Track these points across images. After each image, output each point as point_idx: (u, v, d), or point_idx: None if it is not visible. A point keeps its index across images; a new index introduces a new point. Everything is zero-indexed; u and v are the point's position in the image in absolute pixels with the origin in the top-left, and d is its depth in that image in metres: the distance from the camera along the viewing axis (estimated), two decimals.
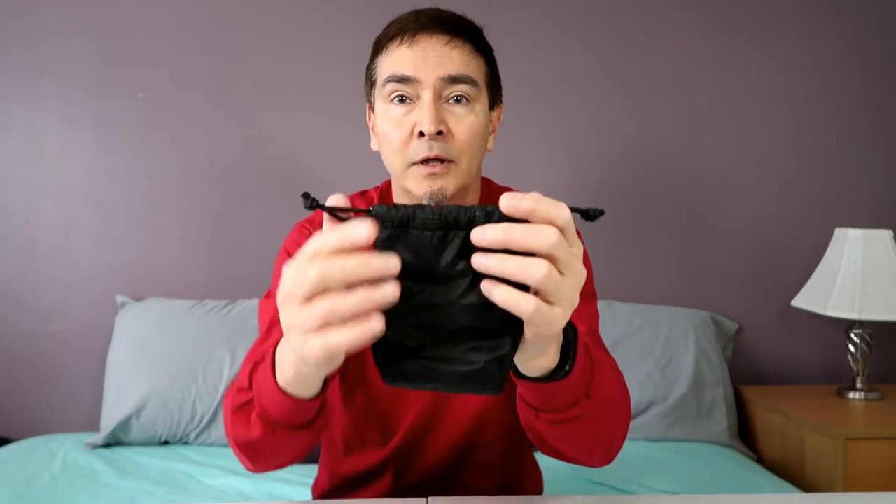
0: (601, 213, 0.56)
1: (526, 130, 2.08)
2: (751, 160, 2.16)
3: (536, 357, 0.62)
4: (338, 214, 0.55)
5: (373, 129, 0.99)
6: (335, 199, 0.55)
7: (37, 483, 1.56)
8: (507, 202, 0.54)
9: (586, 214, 0.57)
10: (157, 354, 1.84)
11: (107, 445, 1.79)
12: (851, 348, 1.95)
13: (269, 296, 0.98)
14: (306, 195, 0.55)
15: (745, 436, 2.02)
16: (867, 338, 1.93)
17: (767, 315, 2.16)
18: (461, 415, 1.01)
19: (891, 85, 2.18)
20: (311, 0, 2.06)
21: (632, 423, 1.86)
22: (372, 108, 0.98)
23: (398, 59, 0.90)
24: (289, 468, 1.67)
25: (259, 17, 2.05)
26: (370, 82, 0.97)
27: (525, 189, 1.17)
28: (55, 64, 2.00)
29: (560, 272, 0.53)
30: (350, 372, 1.02)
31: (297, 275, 0.53)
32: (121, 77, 2.02)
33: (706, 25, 2.14)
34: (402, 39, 0.91)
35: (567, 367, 0.65)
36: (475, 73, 0.92)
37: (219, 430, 1.81)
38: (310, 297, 0.52)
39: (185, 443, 1.83)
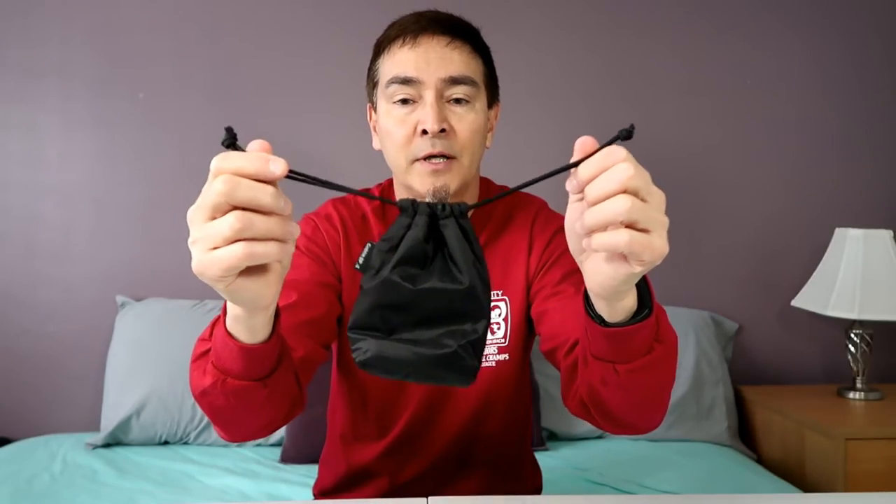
0: (632, 128, 0.59)
1: (525, 130, 2.08)
2: (751, 160, 2.16)
3: (624, 297, 0.64)
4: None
5: (374, 128, 1.01)
6: (257, 145, 0.58)
7: (37, 483, 1.56)
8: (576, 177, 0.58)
9: (624, 136, 0.59)
10: (157, 354, 1.84)
11: (107, 445, 1.79)
12: (851, 348, 1.95)
13: None
14: (229, 129, 0.58)
15: (745, 436, 2.02)
16: (867, 338, 1.93)
17: (767, 315, 2.16)
18: (460, 410, 1.02)
19: (890, 85, 2.18)
20: (311, 0, 2.06)
21: None
22: (374, 108, 1.01)
23: (400, 60, 0.93)
24: (288, 468, 1.68)
25: (259, 17, 2.05)
26: (372, 82, 1.00)
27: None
28: (55, 64, 2.00)
29: (642, 200, 0.56)
30: (347, 356, 1.02)
31: (205, 190, 0.55)
32: (121, 77, 2.02)
33: (706, 25, 2.14)
34: (403, 41, 0.94)
35: (648, 309, 0.67)
36: (475, 73, 0.95)
37: None
38: (216, 211, 0.54)
39: (185, 443, 1.83)
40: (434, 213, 0.58)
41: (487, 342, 1.00)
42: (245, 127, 2.23)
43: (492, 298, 0.99)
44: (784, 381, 2.16)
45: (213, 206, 0.54)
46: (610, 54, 2.12)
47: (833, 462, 1.69)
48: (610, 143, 0.58)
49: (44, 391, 2.00)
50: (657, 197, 0.58)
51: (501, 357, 1.01)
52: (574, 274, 0.96)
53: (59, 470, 1.64)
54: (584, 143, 0.59)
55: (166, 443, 1.83)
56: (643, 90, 2.12)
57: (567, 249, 0.97)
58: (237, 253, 0.54)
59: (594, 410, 0.79)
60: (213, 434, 1.81)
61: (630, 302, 0.66)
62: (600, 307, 0.66)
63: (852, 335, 1.95)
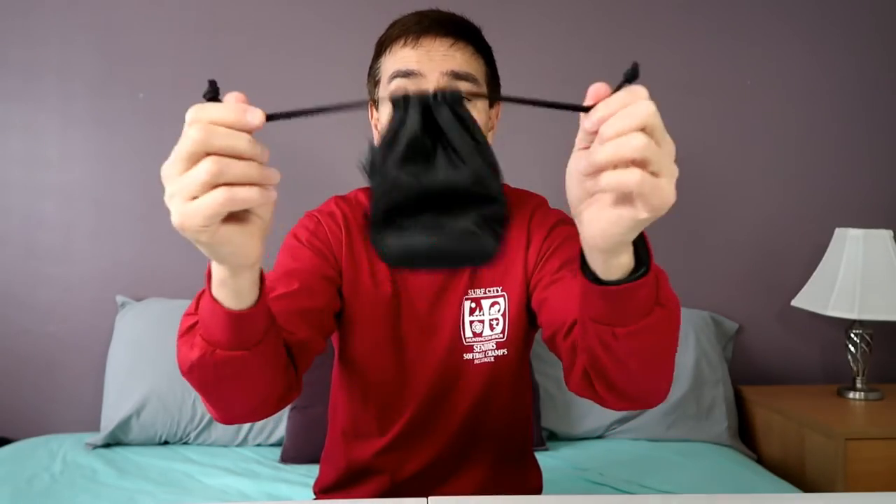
0: (636, 66, 0.59)
1: (526, 130, 2.08)
2: (751, 160, 2.16)
3: (622, 252, 0.63)
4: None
5: (376, 125, 1.03)
6: (234, 97, 0.58)
7: (37, 483, 1.56)
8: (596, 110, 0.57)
9: (629, 76, 0.59)
10: (157, 354, 1.84)
11: (107, 445, 1.79)
12: (851, 348, 1.95)
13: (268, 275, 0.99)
14: (212, 82, 0.58)
15: (745, 436, 2.02)
16: (867, 338, 1.93)
17: (767, 315, 2.16)
18: (461, 405, 1.02)
19: (891, 85, 2.18)
20: (311, 0, 2.06)
21: (632, 424, 1.88)
22: (375, 106, 1.02)
23: (402, 57, 0.94)
24: (288, 468, 1.67)
25: (259, 17, 2.05)
26: (374, 80, 1.01)
27: (526, 185, 1.18)
28: (55, 64, 2.00)
29: (657, 143, 0.55)
30: (348, 352, 1.03)
31: (180, 141, 0.54)
32: (121, 77, 2.02)
33: (706, 25, 2.14)
34: (405, 41, 0.95)
35: (645, 267, 0.65)
36: (476, 71, 0.96)
37: (219, 431, 1.81)
38: (191, 160, 0.53)
39: (185, 443, 1.83)
40: (427, 104, 0.57)
41: (486, 338, 1.00)
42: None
43: (489, 285, 1.01)
44: (784, 381, 2.16)
45: (189, 156, 0.53)
46: (610, 54, 2.12)
47: (833, 462, 1.69)
48: (619, 87, 0.57)
49: (44, 391, 2.00)
50: (670, 145, 0.57)
51: (500, 352, 1.01)
52: (573, 262, 0.92)
53: (59, 470, 1.64)
54: (597, 89, 0.59)
55: (166, 443, 1.83)
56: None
57: (566, 239, 1.00)
58: (218, 198, 0.53)
59: (597, 383, 0.77)
60: (214, 434, 1.81)
61: (626, 259, 0.64)
62: (596, 263, 0.64)
63: (852, 335, 1.95)
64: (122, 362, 1.86)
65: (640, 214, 0.57)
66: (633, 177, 0.54)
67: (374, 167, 0.57)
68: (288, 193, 2.11)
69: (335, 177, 2.04)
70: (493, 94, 0.64)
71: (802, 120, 2.17)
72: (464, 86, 0.93)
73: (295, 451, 1.72)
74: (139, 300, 1.99)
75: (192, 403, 1.80)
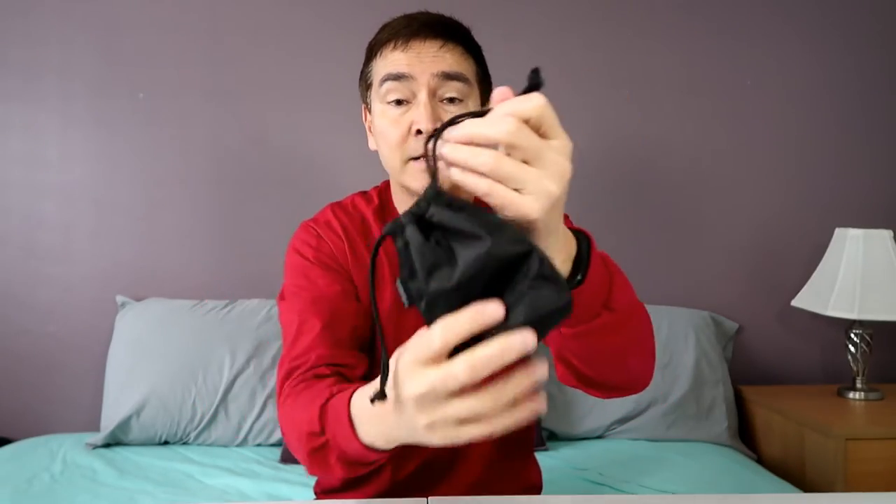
0: (537, 73, 0.58)
1: None
2: (751, 160, 2.16)
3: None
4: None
5: (370, 128, 1.04)
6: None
7: (37, 483, 1.56)
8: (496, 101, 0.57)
9: (533, 85, 0.58)
10: (157, 354, 1.84)
11: (107, 445, 1.79)
12: (851, 348, 1.95)
13: (285, 297, 1.00)
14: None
15: (745, 436, 2.02)
16: (867, 338, 1.93)
17: (767, 315, 2.16)
18: None
19: (891, 85, 2.18)
20: (311, 0, 2.06)
21: (632, 424, 1.88)
22: (368, 109, 1.02)
23: (393, 60, 0.95)
24: (289, 468, 1.68)
25: (259, 17, 2.05)
26: (365, 84, 1.01)
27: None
28: (55, 64, 2.00)
29: (525, 161, 0.54)
30: None
31: (437, 373, 0.52)
32: (121, 77, 2.02)
33: (706, 25, 2.14)
34: (395, 44, 0.95)
35: (579, 277, 0.66)
36: (467, 71, 0.96)
37: (219, 430, 1.81)
38: (458, 393, 0.52)
39: (185, 443, 1.83)
40: (419, 216, 0.56)
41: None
42: (245, 127, 2.25)
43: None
44: (784, 381, 2.16)
45: (455, 390, 0.52)
46: (610, 54, 2.12)
47: (833, 462, 1.69)
48: (522, 92, 0.57)
49: (44, 391, 2.00)
50: (552, 166, 0.56)
51: None
52: None
53: (59, 470, 1.64)
54: (501, 93, 0.58)
55: (166, 443, 1.83)
56: (643, 90, 2.12)
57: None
58: (493, 428, 0.53)
59: (569, 373, 0.80)
60: (213, 434, 1.81)
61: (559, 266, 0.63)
62: None
63: (852, 335, 1.95)
64: (122, 362, 1.86)
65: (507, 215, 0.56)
66: (482, 185, 0.54)
67: (413, 299, 0.55)
68: (285, 198, 2.12)
69: (333, 181, 2.05)
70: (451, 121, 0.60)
71: (802, 120, 2.17)
72: (455, 86, 0.93)
73: None
74: (139, 300, 1.99)
75: (191, 403, 1.80)
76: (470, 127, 0.55)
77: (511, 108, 0.56)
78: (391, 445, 0.69)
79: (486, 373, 0.51)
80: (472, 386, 0.52)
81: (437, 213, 0.55)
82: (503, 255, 0.53)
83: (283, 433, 0.87)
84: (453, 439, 0.54)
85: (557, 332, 0.71)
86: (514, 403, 0.53)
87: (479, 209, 0.55)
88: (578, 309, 0.67)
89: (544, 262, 0.54)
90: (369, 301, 1.00)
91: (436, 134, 0.57)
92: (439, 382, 0.52)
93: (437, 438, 0.55)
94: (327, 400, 0.78)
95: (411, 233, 0.55)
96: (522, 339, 0.50)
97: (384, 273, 1.02)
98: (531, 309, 0.53)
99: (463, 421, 0.53)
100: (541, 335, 0.53)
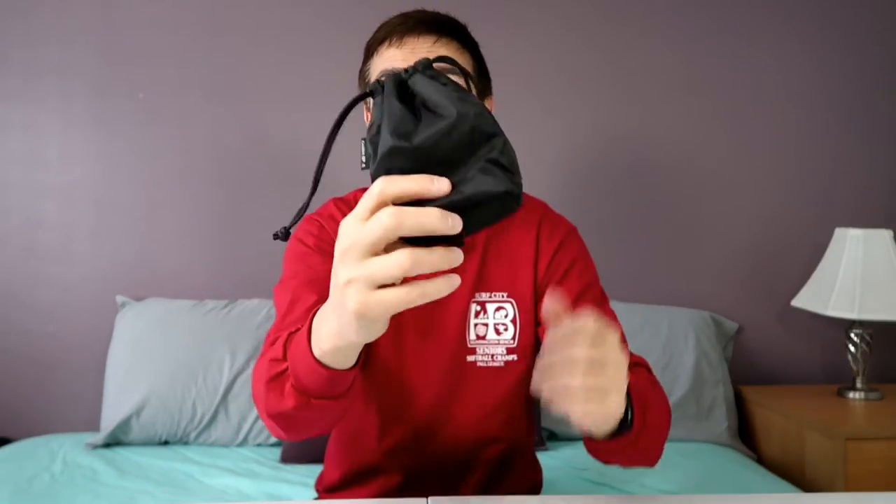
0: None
1: (526, 128, 2.08)
2: (751, 160, 2.16)
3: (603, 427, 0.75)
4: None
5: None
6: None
7: (37, 483, 1.56)
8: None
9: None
10: (157, 354, 1.84)
11: (107, 445, 1.79)
12: (851, 348, 1.95)
13: (282, 282, 1.00)
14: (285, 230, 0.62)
15: (745, 436, 2.02)
16: (867, 338, 1.93)
17: (767, 315, 2.16)
18: (467, 409, 1.02)
19: (890, 85, 2.18)
20: (311, 0, 2.06)
21: None
22: (367, 108, 1.03)
23: (388, 58, 0.96)
24: (289, 468, 1.68)
25: (259, 17, 2.05)
26: (364, 83, 1.02)
27: (527, 181, 1.18)
28: (55, 64, 2.00)
29: (597, 372, 0.64)
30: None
31: (368, 223, 0.51)
32: (121, 77, 2.02)
33: (706, 25, 2.14)
34: (390, 42, 0.96)
35: (629, 423, 0.77)
36: (463, 64, 0.97)
37: (219, 430, 1.81)
38: (377, 247, 0.51)
39: (185, 443, 1.83)
40: (400, 79, 0.57)
41: (492, 342, 1.01)
42: (245, 126, 2.25)
43: (496, 289, 1.03)
44: (784, 381, 2.16)
45: (377, 242, 0.51)
46: (610, 53, 2.12)
47: (833, 462, 1.69)
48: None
49: (44, 391, 2.01)
50: (614, 364, 0.66)
51: (510, 357, 1.02)
52: (588, 290, 1.03)
53: (59, 470, 1.64)
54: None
55: (166, 443, 1.83)
56: (643, 89, 2.12)
57: (577, 258, 1.04)
58: (410, 296, 0.51)
59: (597, 457, 0.89)
60: (213, 434, 1.81)
61: (609, 425, 0.75)
62: None
63: (852, 335, 1.95)
64: (122, 362, 1.86)
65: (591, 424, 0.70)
66: (576, 407, 0.64)
67: (372, 157, 0.57)
68: (286, 198, 2.12)
69: (335, 175, 2.05)
70: (466, 74, 0.63)
71: (802, 120, 2.17)
72: (449, 69, 0.93)
73: (295, 451, 1.72)
74: (139, 300, 1.99)
75: (191, 403, 1.80)
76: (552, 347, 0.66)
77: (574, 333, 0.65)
78: (337, 353, 0.65)
79: (413, 232, 0.50)
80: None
81: (419, 82, 0.57)
82: (466, 130, 0.54)
83: (252, 385, 0.84)
84: (365, 302, 0.52)
85: (594, 447, 0.82)
86: (436, 278, 0.52)
87: (458, 86, 0.56)
88: (622, 440, 0.79)
89: (505, 149, 0.55)
90: None
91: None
92: (365, 231, 0.51)
93: (350, 301, 0.52)
94: (296, 330, 0.77)
95: (388, 92, 0.56)
96: (455, 223, 0.51)
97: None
98: (475, 188, 0.53)
99: (381, 285, 0.51)
100: (478, 220, 0.53)
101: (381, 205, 0.51)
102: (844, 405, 1.89)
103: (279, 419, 0.78)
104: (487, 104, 1.04)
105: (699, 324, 2.01)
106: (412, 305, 0.52)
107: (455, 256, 0.51)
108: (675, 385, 1.90)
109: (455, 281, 0.52)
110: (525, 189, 1.16)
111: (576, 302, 1.00)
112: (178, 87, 2.03)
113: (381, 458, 1.04)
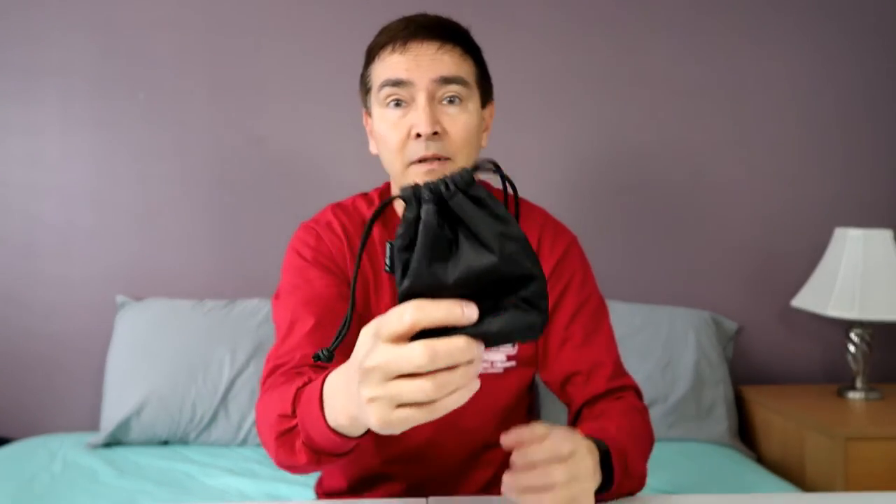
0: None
1: (527, 129, 2.08)
2: (751, 160, 2.16)
3: None
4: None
5: (370, 132, 1.03)
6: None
7: (37, 483, 1.56)
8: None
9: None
10: (157, 354, 1.84)
11: (107, 445, 1.79)
12: (851, 348, 1.95)
13: (280, 295, 1.00)
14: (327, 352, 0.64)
15: (745, 436, 2.02)
16: (867, 338, 1.93)
17: (767, 315, 2.16)
18: (465, 414, 1.01)
19: (891, 85, 2.18)
20: (311, 0, 2.06)
21: None
22: (368, 113, 1.02)
23: (391, 64, 0.94)
24: None
25: (259, 17, 2.05)
26: (365, 88, 1.01)
27: (524, 187, 1.18)
28: (55, 64, 2.00)
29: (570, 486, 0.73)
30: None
31: (388, 348, 0.53)
32: (121, 77, 2.02)
33: (707, 25, 2.14)
34: (393, 47, 0.95)
35: (609, 484, 0.84)
36: (466, 73, 0.96)
37: (219, 430, 1.81)
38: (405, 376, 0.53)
39: (185, 443, 1.82)
40: (440, 196, 0.54)
41: (495, 349, 1.00)
42: (245, 127, 2.24)
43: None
44: (784, 381, 2.16)
45: (404, 372, 0.53)
46: (610, 54, 2.12)
47: (833, 462, 1.69)
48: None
49: (44, 391, 2.00)
50: (582, 482, 0.77)
51: (509, 364, 1.02)
52: (584, 306, 1.03)
53: (59, 470, 1.64)
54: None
55: (166, 443, 1.83)
56: (643, 89, 2.12)
57: (577, 270, 1.05)
58: (432, 416, 0.54)
59: None
60: (214, 434, 1.81)
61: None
62: None
63: (852, 335, 1.95)
64: (122, 362, 1.86)
65: None
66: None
67: (400, 273, 0.55)
68: (286, 198, 2.12)
69: (334, 179, 2.05)
70: (486, 167, 0.59)
71: (802, 120, 2.16)
72: (453, 88, 0.93)
73: None
74: (139, 300, 1.99)
75: (191, 403, 1.80)
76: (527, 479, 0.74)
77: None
78: (353, 426, 0.67)
79: (442, 365, 0.51)
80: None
81: (460, 205, 0.54)
82: (506, 272, 0.53)
83: (256, 423, 0.86)
84: (387, 420, 0.54)
85: None
86: (454, 392, 0.53)
87: (501, 211, 0.54)
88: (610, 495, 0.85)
89: (541, 290, 0.55)
90: (360, 306, 0.99)
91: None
92: (393, 360, 0.52)
93: (373, 417, 0.54)
94: (305, 385, 0.78)
95: (428, 213, 0.54)
96: (479, 350, 0.53)
97: (383, 278, 1.01)
98: (508, 325, 0.53)
99: (401, 404, 0.53)
100: (498, 342, 0.55)
101: (410, 332, 0.52)
102: (844, 405, 1.89)
103: (292, 470, 0.82)
104: (489, 111, 1.03)
105: (699, 324, 2.01)
106: (431, 419, 0.54)
107: (475, 369, 0.54)
108: (675, 385, 1.90)
109: (475, 388, 0.54)
110: (527, 190, 1.17)
111: (570, 324, 1.02)
112: (178, 87, 2.03)
113: (382, 467, 1.04)
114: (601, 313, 1.05)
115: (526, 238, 0.55)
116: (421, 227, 0.54)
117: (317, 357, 0.63)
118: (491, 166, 0.57)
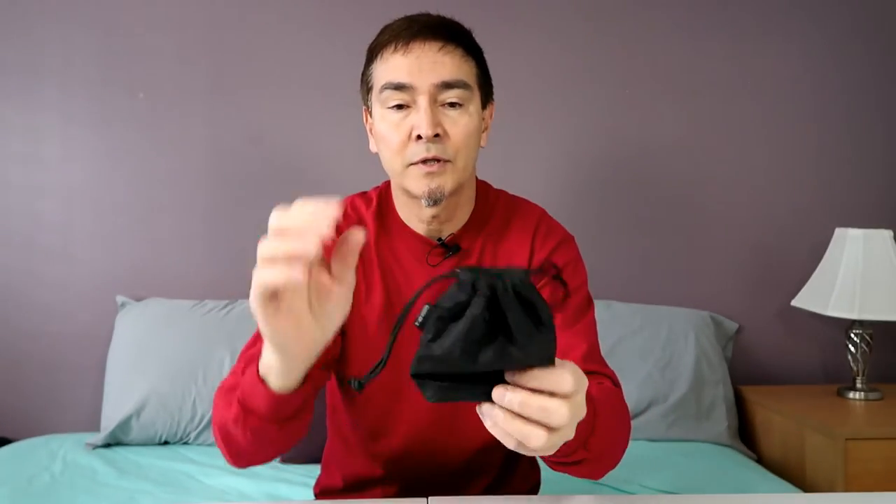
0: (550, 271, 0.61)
1: (526, 130, 2.08)
2: (751, 160, 2.16)
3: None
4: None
5: (371, 131, 1.03)
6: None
7: (37, 483, 1.56)
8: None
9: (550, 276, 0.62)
10: (157, 354, 1.84)
11: (107, 445, 1.79)
12: (851, 348, 1.95)
13: None
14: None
15: (745, 436, 2.02)
16: (867, 338, 1.93)
17: (767, 315, 2.16)
18: (461, 417, 1.01)
19: (891, 85, 2.18)
20: (311, 0, 2.06)
21: (632, 423, 1.87)
22: (369, 112, 1.01)
23: (393, 66, 0.94)
24: (289, 468, 1.68)
25: (259, 17, 2.05)
26: (366, 87, 1.00)
27: (524, 187, 1.18)
28: (55, 64, 2.00)
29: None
30: (343, 362, 1.02)
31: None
32: (121, 77, 2.02)
33: (706, 25, 2.14)
34: (395, 47, 0.94)
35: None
36: (467, 75, 0.95)
37: None
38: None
39: (185, 443, 1.83)
40: (494, 291, 0.56)
41: None
42: (245, 127, 2.24)
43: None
44: (784, 381, 2.16)
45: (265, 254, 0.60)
46: (610, 54, 2.12)
47: (833, 462, 1.69)
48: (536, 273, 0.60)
49: (44, 391, 2.00)
50: (582, 409, 0.63)
51: None
52: (574, 293, 1.01)
53: (59, 470, 1.64)
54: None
55: (166, 443, 1.83)
56: (643, 89, 2.12)
57: (568, 262, 1.03)
58: (256, 279, 0.59)
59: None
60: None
61: None
62: None
63: (852, 335, 1.95)
64: (122, 362, 1.86)
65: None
66: (539, 441, 0.58)
67: (432, 330, 0.57)
68: (285, 198, 2.10)
69: (334, 179, 2.05)
70: (538, 271, 0.61)
71: (802, 120, 2.16)
72: (455, 92, 0.93)
73: (295, 451, 1.72)
74: (139, 300, 1.99)
75: (191, 403, 1.80)
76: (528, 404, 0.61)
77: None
78: (268, 363, 0.71)
79: (289, 224, 0.59)
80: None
81: (509, 303, 0.56)
82: (523, 364, 0.57)
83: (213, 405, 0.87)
84: (255, 282, 0.60)
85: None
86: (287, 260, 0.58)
87: (545, 317, 0.57)
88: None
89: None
90: (356, 306, 0.99)
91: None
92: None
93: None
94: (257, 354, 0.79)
95: (478, 305, 0.56)
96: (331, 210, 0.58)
97: (374, 278, 1.01)
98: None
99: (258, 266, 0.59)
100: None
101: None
102: (844, 405, 1.89)
103: (223, 434, 0.81)
104: (489, 111, 1.03)
105: (699, 324, 2.01)
106: (259, 289, 0.61)
107: (307, 244, 0.58)
108: (675, 385, 1.90)
109: (294, 275, 0.58)
110: (526, 189, 1.17)
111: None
112: (178, 87, 2.03)
113: (382, 468, 1.04)
114: (585, 310, 1.01)
115: (555, 350, 0.58)
116: (468, 313, 0.56)
117: (347, 383, 0.65)
118: (554, 271, 0.61)
